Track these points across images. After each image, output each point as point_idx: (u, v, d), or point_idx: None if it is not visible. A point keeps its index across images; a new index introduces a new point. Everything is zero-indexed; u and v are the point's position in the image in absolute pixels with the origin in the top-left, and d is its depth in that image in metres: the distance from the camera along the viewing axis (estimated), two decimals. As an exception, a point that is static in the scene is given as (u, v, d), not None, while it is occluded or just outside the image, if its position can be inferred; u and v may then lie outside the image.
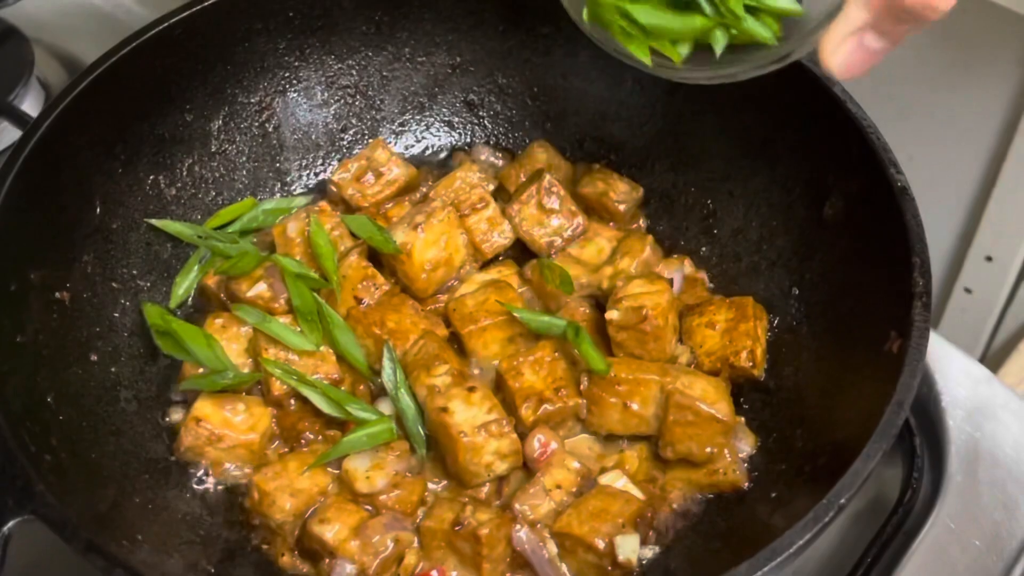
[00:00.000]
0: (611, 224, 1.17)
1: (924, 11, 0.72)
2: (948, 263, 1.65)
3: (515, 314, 1.03)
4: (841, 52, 0.77)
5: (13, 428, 0.85)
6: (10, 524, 0.80)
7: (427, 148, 1.27)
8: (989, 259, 1.58)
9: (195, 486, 1.01)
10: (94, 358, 1.03)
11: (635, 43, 0.88)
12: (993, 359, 1.68)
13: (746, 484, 0.99)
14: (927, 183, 1.58)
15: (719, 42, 0.86)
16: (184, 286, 1.12)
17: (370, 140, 1.24)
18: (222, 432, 0.99)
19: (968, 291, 1.64)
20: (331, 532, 0.94)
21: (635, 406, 1.00)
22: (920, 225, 0.93)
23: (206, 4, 1.12)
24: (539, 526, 0.96)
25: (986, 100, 1.43)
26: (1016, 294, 1.61)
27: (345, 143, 1.25)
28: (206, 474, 1.01)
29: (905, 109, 1.50)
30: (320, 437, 1.02)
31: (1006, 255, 1.56)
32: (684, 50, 0.88)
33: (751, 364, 1.04)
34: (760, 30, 0.85)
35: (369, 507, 0.97)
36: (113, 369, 1.04)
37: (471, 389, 0.98)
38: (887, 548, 0.99)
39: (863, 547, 1.00)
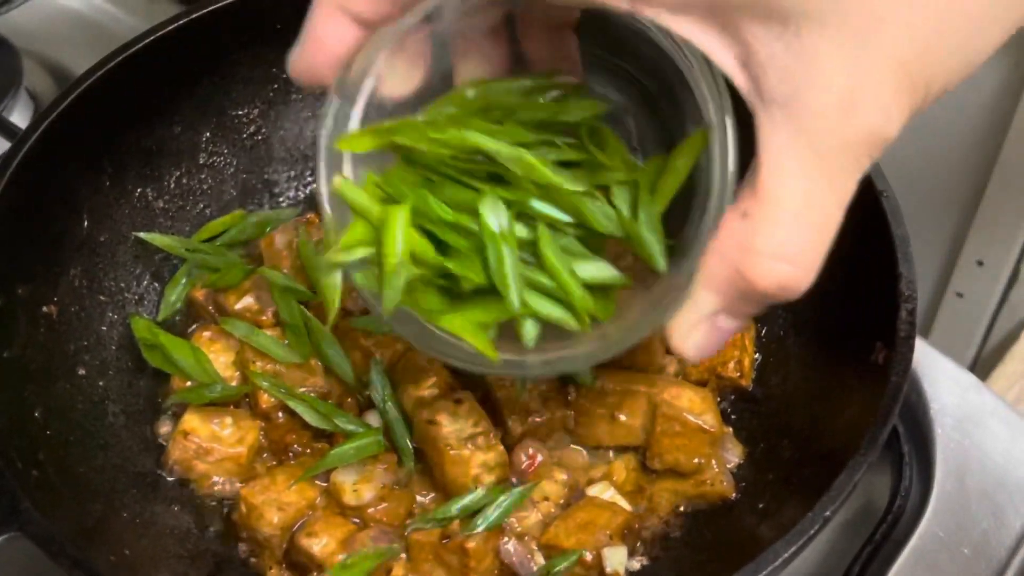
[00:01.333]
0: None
1: (782, 295, 0.64)
2: (939, 267, 1.65)
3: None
4: (694, 337, 0.69)
5: (0, 444, 0.85)
6: (-4, 541, 0.80)
7: (416, 158, 1.27)
8: (980, 263, 1.58)
9: (183, 500, 1.01)
10: (82, 372, 1.03)
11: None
12: (985, 363, 1.69)
13: (733, 495, 0.99)
14: (917, 187, 1.58)
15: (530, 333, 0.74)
16: (172, 299, 1.12)
17: (359, 151, 1.24)
18: (210, 445, 0.99)
19: (959, 295, 1.64)
20: (319, 545, 0.94)
21: (623, 417, 1.00)
22: (906, 236, 0.93)
23: (194, 16, 1.11)
24: (527, 538, 0.96)
25: (975, 104, 1.43)
26: (1007, 298, 1.61)
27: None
28: (194, 488, 1.01)
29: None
30: (308, 450, 1.02)
31: (997, 259, 1.56)
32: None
33: (739, 374, 1.04)
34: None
35: (357, 520, 0.97)
36: (101, 383, 1.04)
37: (458, 401, 0.98)
38: (876, 557, 0.99)
39: (852, 556, 1.00)
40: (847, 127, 0.60)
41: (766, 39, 0.60)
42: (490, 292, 0.72)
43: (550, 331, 0.74)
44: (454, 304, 0.74)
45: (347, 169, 0.73)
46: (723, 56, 0.62)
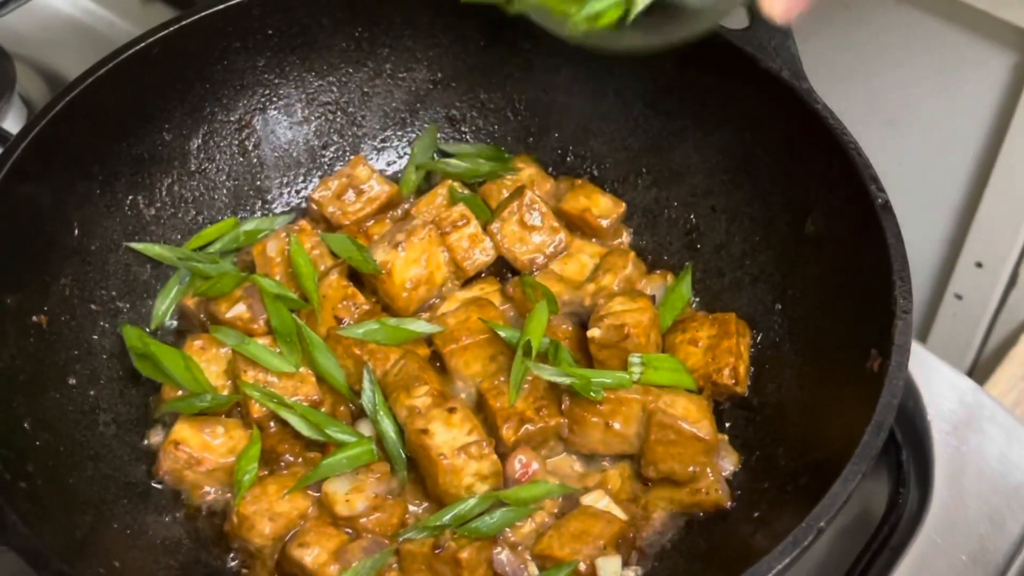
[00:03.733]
0: (593, 240, 1.16)
1: None
2: (938, 269, 1.65)
3: (498, 332, 1.03)
4: None
5: (-12, 456, 0.85)
6: (-17, 555, 0.80)
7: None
8: (979, 265, 1.57)
9: (174, 510, 1.00)
10: (72, 382, 1.03)
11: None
12: (984, 365, 1.68)
13: (729, 503, 0.98)
14: (917, 189, 1.58)
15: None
16: (163, 308, 1.11)
17: (351, 157, 1.23)
18: (201, 455, 0.99)
19: (958, 297, 1.63)
20: (310, 556, 0.93)
21: (617, 425, 0.99)
22: (901, 243, 0.92)
23: (185, 22, 1.11)
24: (520, 548, 0.96)
25: (975, 106, 1.43)
26: (1006, 300, 1.61)
27: (326, 160, 1.24)
28: (185, 498, 1.01)
29: (894, 116, 1.50)
30: (300, 459, 1.02)
31: (996, 261, 1.55)
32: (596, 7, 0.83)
33: (734, 381, 1.03)
34: None
35: (349, 530, 0.96)
36: (92, 392, 1.04)
37: (451, 410, 0.97)
38: (874, 563, 0.99)
39: (850, 562, 0.99)
40: None
41: None
42: None
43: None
44: None
45: None
46: None
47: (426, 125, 1.25)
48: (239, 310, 1.05)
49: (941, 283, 1.66)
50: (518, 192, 1.15)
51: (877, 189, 0.95)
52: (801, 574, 1.02)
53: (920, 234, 0.93)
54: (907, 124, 1.50)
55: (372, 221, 1.17)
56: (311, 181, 1.24)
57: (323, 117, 1.23)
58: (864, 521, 1.04)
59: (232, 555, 0.98)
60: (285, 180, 1.23)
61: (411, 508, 0.99)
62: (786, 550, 0.79)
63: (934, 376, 1.09)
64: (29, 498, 0.87)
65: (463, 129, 1.26)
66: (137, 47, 1.09)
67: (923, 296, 1.68)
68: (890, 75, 1.46)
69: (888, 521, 1.01)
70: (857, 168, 0.96)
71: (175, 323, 1.13)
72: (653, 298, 1.07)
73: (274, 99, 1.20)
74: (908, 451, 1.06)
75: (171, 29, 1.10)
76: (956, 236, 1.59)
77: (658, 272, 1.14)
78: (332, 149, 1.24)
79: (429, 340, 1.06)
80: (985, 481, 1.03)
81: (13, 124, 1.36)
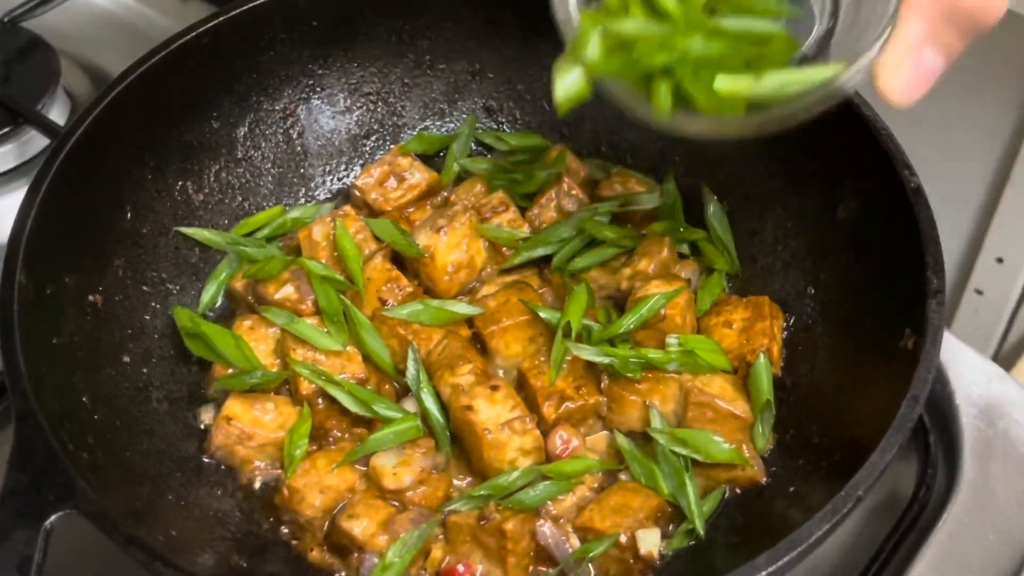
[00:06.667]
0: (629, 226, 1.19)
1: (982, 11, 0.69)
2: (959, 265, 1.66)
3: (539, 313, 1.05)
4: (901, 74, 0.70)
5: (52, 427, 0.87)
6: (52, 518, 0.82)
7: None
8: (1000, 260, 1.59)
9: (226, 484, 1.03)
10: (126, 359, 1.06)
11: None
12: (1004, 360, 1.69)
13: (764, 479, 1.00)
14: (938, 186, 1.59)
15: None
16: (212, 290, 1.14)
17: (392, 146, 1.27)
18: (252, 431, 1.01)
19: (979, 292, 1.65)
20: (360, 527, 0.96)
21: (655, 404, 1.02)
22: (934, 225, 0.95)
23: (232, 14, 1.14)
24: (562, 520, 0.98)
25: (997, 103, 1.44)
26: (1027, 295, 1.62)
27: (367, 149, 1.27)
28: (237, 472, 1.03)
29: (917, 114, 1.51)
30: (347, 435, 1.04)
31: (1017, 256, 1.57)
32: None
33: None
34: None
35: (396, 503, 0.99)
36: (145, 370, 1.07)
37: (494, 388, 1.00)
38: (902, 544, 1.01)
39: (878, 543, 1.01)
40: None
41: None
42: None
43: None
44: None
45: None
46: None
47: (464, 115, 1.28)
48: (287, 291, 1.08)
49: (962, 279, 1.67)
50: (555, 179, 1.18)
51: (909, 174, 0.97)
52: (831, 555, 1.04)
53: (941, 230, 0.95)
54: (929, 122, 1.51)
55: (413, 208, 1.20)
56: (353, 169, 1.27)
57: (365, 107, 1.26)
58: (892, 503, 1.05)
59: (283, 527, 1.01)
60: (328, 168, 1.26)
61: (456, 482, 1.02)
62: (825, 517, 0.81)
63: (961, 360, 1.11)
64: (91, 468, 0.90)
65: (500, 119, 1.29)
66: (187, 37, 1.12)
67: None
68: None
69: (917, 502, 1.03)
70: (891, 153, 0.99)
71: (223, 305, 1.16)
72: (688, 282, 1.10)
73: (318, 89, 1.24)
74: (936, 434, 1.08)
75: (219, 20, 1.13)
76: (977, 232, 1.60)
77: (692, 258, 1.17)
78: (373, 138, 1.27)
79: (470, 322, 1.09)
80: (1012, 464, 1.05)
81: (58, 116, 1.39)
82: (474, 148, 1.28)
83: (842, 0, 0.80)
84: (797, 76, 0.76)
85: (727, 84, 0.77)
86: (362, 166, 1.26)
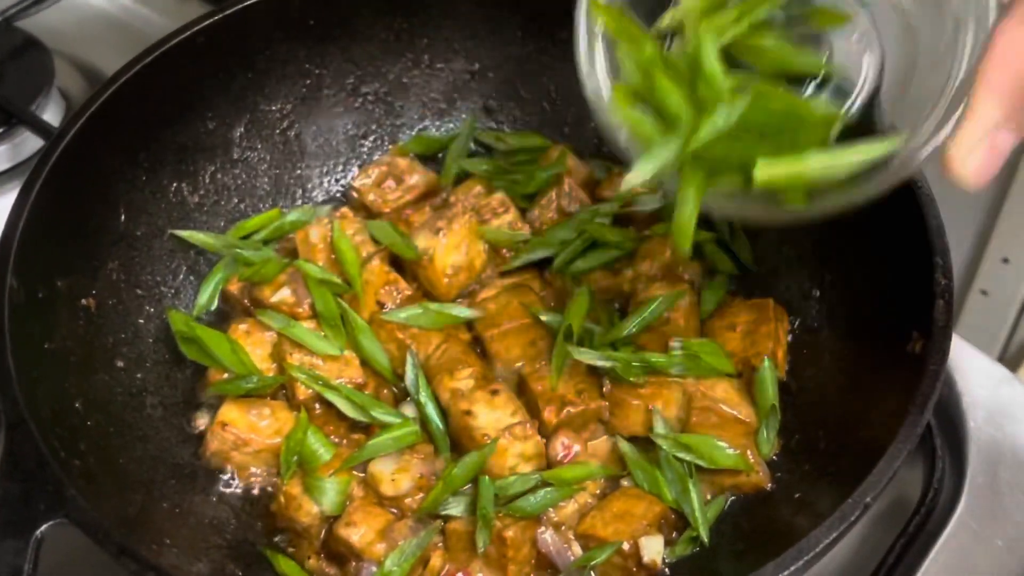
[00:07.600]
0: (631, 228, 1.17)
1: None
2: (964, 265, 1.65)
3: (540, 316, 1.04)
4: (975, 157, 0.66)
5: (44, 434, 0.86)
6: (43, 528, 0.81)
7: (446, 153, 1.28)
8: (1005, 261, 1.58)
9: (221, 490, 1.01)
10: (120, 364, 1.04)
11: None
12: (1010, 361, 1.68)
13: (769, 485, 0.99)
14: (942, 185, 1.59)
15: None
16: (208, 293, 1.13)
17: (390, 146, 1.25)
18: (248, 436, 1.00)
19: (984, 293, 1.64)
20: (357, 535, 0.94)
21: (658, 408, 1.00)
22: (941, 225, 0.93)
23: (228, 13, 1.13)
24: (564, 528, 0.97)
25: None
26: (1033, 296, 1.62)
27: (365, 149, 1.26)
28: (232, 479, 1.02)
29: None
30: (345, 441, 1.03)
31: (1022, 257, 1.56)
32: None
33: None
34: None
35: (395, 510, 0.97)
36: (139, 375, 1.05)
37: (494, 392, 0.98)
38: (909, 549, 0.99)
39: (885, 548, 1.00)
40: None
41: None
42: None
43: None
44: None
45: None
46: None
47: (463, 115, 1.27)
48: (284, 295, 1.07)
49: (967, 279, 1.66)
50: (556, 180, 1.16)
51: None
52: (838, 560, 1.03)
53: (946, 230, 0.94)
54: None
55: (412, 209, 1.19)
56: (350, 170, 1.25)
57: (362, 107, 1.25)
58: (899, 508, 1.04)
59: (279, 534, 0.99)
60: (325, 169, 1.24)
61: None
62: (833, 525, 0.80)
63: (968, 364, 1.10)
64: (83, 476, 0.88)
65: (500, 119, 1.27)
66: (182, 37, 1.10)
67: (950, 292, 1.68)
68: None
69: (924, 507, 1.02)
70: (897, 153, 0.97)
71: (219, 309, 1.14)
72: (692, 284, 1.08)
73: (315, 89, 1.22)
74: (943, 438, 1.06)
75: (215, 19, 1.12)
76: (982, 232, 1.59)
77: (695, 260, 1.15)
78: (371, 138, 1.26)
79: (470, 326, 1.08)
80: (1020, 468, 1.04)
81: (53, 116, 1.38)
82: (474, 148, 1.27)
83: (887, 54, 0.75)
84: (848, 154, 0.71)
85: (767, 171, 0.71)
86: (360, 167, 1.25)
